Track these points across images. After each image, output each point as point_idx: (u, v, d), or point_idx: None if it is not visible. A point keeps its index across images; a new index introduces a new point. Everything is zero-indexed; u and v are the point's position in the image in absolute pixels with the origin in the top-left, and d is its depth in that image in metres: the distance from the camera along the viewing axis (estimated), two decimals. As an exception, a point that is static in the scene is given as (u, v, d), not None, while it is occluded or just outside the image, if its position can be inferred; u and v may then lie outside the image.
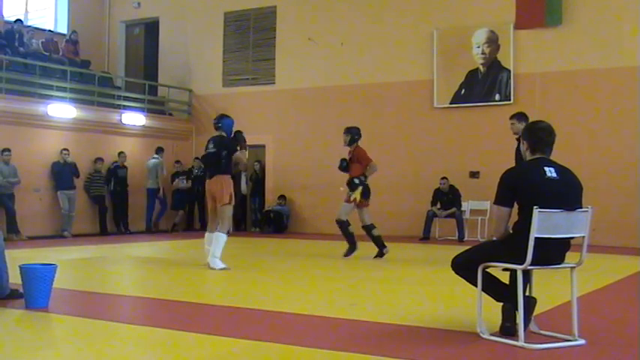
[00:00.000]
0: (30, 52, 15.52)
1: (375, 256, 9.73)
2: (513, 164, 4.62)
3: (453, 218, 13.77)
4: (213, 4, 17.45)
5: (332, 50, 15.87)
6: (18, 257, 8.18)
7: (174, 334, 4.68)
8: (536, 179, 4.38)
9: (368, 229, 9.76)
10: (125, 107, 16.11)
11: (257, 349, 4.30)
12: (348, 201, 9.70)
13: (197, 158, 15.81)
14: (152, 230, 15.73)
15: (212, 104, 17.39)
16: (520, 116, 8.23)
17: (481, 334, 4.53)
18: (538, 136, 4.53)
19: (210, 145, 8.56)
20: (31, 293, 5.55)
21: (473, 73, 14.45)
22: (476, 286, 4.60)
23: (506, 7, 14.05)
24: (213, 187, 8.52)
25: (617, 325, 5.28)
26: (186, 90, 17.67)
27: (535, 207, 4.19)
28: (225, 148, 8.50)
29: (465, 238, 13.41)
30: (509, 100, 14.01)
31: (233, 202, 8.61)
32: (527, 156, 4.57)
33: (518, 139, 8.25)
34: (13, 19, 16.23)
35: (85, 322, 5.12)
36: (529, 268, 4.35)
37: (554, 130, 4.57)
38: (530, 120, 4.76)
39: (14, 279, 5.89)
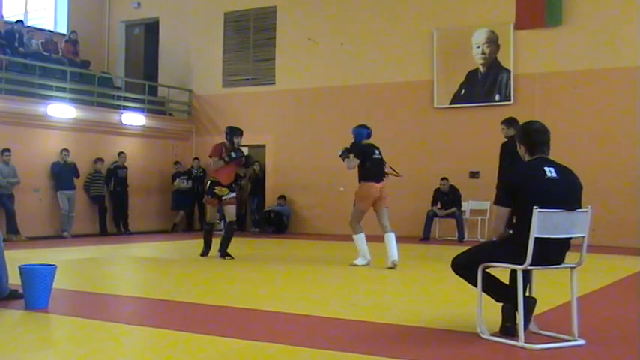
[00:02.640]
0: (30, 52, 15.52)
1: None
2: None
3: (453, 218, 13.77)
4: (214, 5, 17.44)
5: (332, 50, 15.87)
6: (18, 257, 8.18)
7: (174, 334, 4.68)
8: (537, 179, 4.38)
9: (231, 224, 10.02)
10: (125, 107, 16.11)
11: (257, 349, 4.30)
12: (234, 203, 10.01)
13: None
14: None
15: (212, 104, 17.40)
16: (509, 122, 8.84)
17: (481, 334, 4.53)
18: (534, 137, 4.54)
19: (377, 152, 9.01)
20: (30, 293, 5.55)
21: (473, 74, 14.44)
22: (476, 286, 4.60)
23: (507, 7, 14.05)
24: (384, 191, 8.93)
25: (617, 325, 5.28)
26: (186, 90, 17.66)
27: (535, 207, 4.19)
28: None
29: (465, 238, 13.40)
30: (509, 100, 14.01)
31: None
32: (526, 158, 4.58)
33: (505, 143, 8.65)
34: (13, 19, 16.24)
35: (85, 322, 5.12)
36: (529, 268, 4.35)
37: (548, 128, 4.59)
38: (523, 122, 4.75)
39: (14, 279, 5.89)
